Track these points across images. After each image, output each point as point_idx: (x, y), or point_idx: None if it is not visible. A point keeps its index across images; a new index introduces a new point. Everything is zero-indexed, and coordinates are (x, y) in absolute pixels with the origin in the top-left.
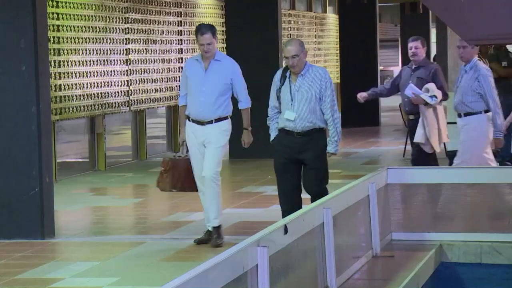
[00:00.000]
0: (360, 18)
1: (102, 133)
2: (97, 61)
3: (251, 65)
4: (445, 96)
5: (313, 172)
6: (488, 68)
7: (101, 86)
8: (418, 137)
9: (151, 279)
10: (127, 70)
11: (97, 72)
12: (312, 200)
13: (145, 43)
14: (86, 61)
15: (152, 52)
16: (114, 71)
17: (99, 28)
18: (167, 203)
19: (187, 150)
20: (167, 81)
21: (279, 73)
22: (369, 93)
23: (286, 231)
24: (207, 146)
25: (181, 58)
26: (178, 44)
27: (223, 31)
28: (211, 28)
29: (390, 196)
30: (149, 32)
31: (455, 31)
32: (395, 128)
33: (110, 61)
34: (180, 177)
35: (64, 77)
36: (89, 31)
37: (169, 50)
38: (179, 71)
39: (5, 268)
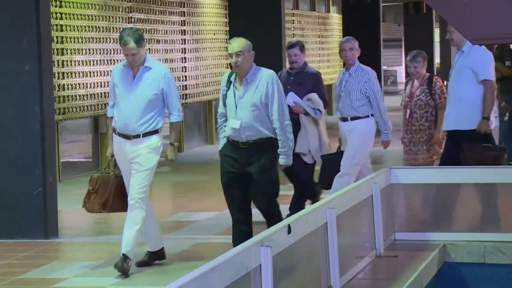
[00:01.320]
0: (364, 17)
1: (106, 133)
2: (100, 60)
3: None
4: (325, 104)
5: (261, 188)
6: (373, 70)
7: (104, 85)
8: (300, 147)
9: (153, 279)
10: None
11: (101, 72)
12: (265, 218)
13: (149, 43)
14: (90, 61)
15: (156, 52)
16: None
17: (103, 27)
18: (169, 203)
19: (115, 166)
20: None
21: (225, 77)
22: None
23: (289, 231)
24: (134, 166)
25: (185, 58)
26: (182, 43)
27: (226, 31)
28: (134, 35)
29: (393, 196)
30: (153, 32)
31: (459, 30)
32: (398, 128)
33: (114, 60)
34: (110, 197)
35: (68, 76)
36: (93, 30)
37: (172, 49)
38: (182, 71)
39: (9, 268)
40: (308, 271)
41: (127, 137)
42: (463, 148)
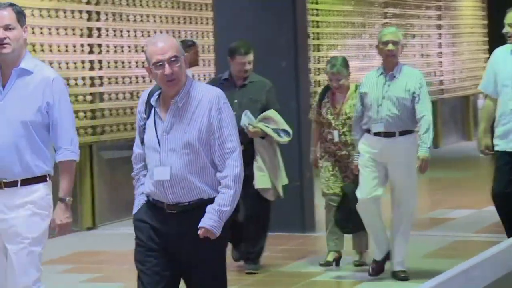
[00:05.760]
0: None
1: None
2: (356, 56)
3: None
4: None
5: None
6: None
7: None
8: (261, 181)
9: (413, 274)
10: None
11: (356, 68)
12: None
13: (404, 38)
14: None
15: (411, 47)
16: (372, 67)
17: (358, 23)
18: (426, 199)
19: None
20: (426, 76)
21: (143, 97)
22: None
23: None
24: (8, 239)
25: (441, 53)
26: (438, 38)
27: (484, 24)
28: (12, 4)
29: None
30: (408, 27)
31: None
32: None
33: (369, 56)
34: None
35: (323, 73)
36: (348, 26)
37: (428, 44)
38: (438, 66)
39: (269, 260)
40: None
41: None
42: None
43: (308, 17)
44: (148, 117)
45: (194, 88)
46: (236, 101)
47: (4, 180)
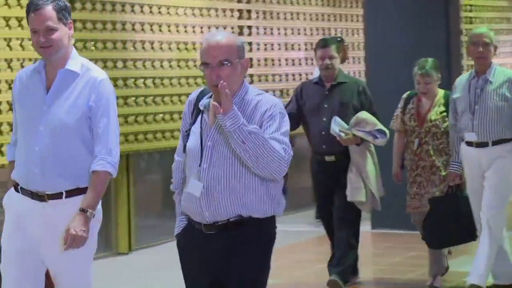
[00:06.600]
0: None
1: None
2: (511, 52)
3: None
4: None
5: None
6: None
7: None
8: (355, 194)
9: None
10: None
11: (511, 65)
12: None
13: None
14: (499, 53)
15: None
16: None
17: None
18: None
19: None
20: None
21: (192, 98)
22: None
23: None
24: (50, 260)
25: None
26: None
27: None
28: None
29: None
30: None
31: None
32: None
33: None
34: None
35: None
36: (503, 22)
37: None
38: None
39: (419, 260)
40: None
41: (39, 197)
42: None
43: (461, 13)
44: (194, 122)
45: (249, 95)
46: (326, 105)
47: (48, 193)
